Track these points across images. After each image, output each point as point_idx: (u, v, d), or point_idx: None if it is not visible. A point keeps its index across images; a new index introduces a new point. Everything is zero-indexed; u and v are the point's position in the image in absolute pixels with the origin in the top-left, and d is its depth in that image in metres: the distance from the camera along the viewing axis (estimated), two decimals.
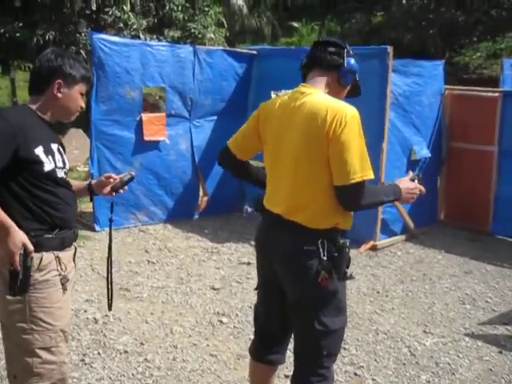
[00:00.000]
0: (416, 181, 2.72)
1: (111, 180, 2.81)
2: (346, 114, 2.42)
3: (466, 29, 18.05)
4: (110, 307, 3.00)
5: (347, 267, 2.53)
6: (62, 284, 2.53)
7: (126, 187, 2.84)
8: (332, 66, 2.62)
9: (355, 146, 2.42)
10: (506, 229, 7.01)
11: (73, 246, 2.64)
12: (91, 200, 2.98)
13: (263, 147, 2.75)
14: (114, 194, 2.82)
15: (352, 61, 2.64)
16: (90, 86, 2.59)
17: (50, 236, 2.47)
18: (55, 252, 2.49)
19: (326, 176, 2.48)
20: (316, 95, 2.56)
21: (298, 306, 2.60)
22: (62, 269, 2.51)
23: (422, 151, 7.02)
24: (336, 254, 2.48)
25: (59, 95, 2.52)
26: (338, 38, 2.77)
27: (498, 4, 17.50)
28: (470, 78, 18.09)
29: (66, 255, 2.56)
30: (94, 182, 2.88)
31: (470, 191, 7.32)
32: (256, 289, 2.91)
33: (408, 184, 2.68)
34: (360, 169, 2.42)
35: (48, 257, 2.46)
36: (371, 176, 2.47)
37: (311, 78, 2.65)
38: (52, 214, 2.47)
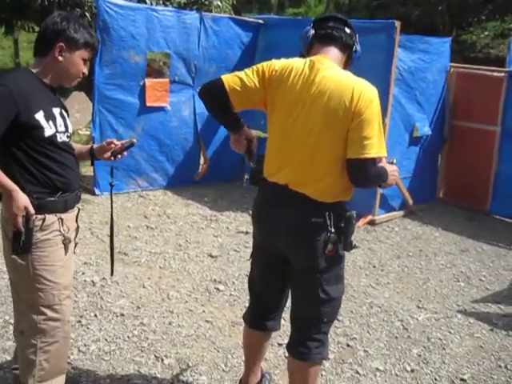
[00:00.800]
0: (393, 165, 2.79)
1: (112, 146, 2.84)
2: (372, 92, 2.51)
3: (475, 7, 17.83)
4: (112, 272, 3.09)
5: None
6: (64, 244, 2.58)
7: (126, 152, 2.88)
8: (347, 46, 2.67)
9: (377, 124, 2.49)
10: (504, 209, 7.05)
11: (76, 208, 2.69)
12: (92, 164, 3.03)
13: (268, 113, 2.69)
14: (113, 158, 2.86)
15: (359, 47, 2.72)
16: (95, 53, 2.58)
17: (53, 199, 2.51)
18: (58, 214, 2.53)
19: (343, 151, 2.50)
20: (336, 70, 2.58)
21: (302, 275, 2.64)
22: (64, 230, 2.56)
23: (424, 128, 7.01)
24: (343, 225, 2.54)
25: (60, 58, 2.52)
26: (345, 13, 2.78)
27: None
28: (477, 56, 17.98)
29: (68, 217, 2.61)
30: (95, 146, 2.91)
31: (471, 170, 7.34)
32: (250, 258, 2.94)
33: (390, 167, 2.71)
34: (378, 145, 2.48)
35: (51, 218, 2.51)
36: (385, 154, 2.54)
37: (327, 50, 2.63)
38: (54, 178, 2.50)
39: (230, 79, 2.61)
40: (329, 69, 2.56)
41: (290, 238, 2.60)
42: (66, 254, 2.60)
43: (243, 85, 2.60)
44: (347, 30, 2.67)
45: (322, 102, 2.50)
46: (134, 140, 2.91)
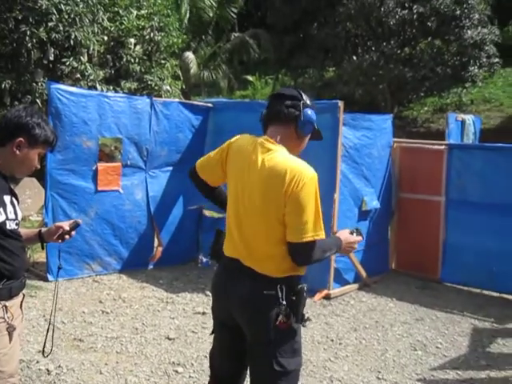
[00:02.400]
0: (355, 234, 2.85)
1: (61, 230, 2.83)
2: (305, 175, 2.54)
3: (414, 84, 18.74)
4: (43, 352, 3.04)
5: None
6: (9, 332, 2.53)
7: (74, 233, 2.87)
8: (290, 119, 2.68)
9: (310, 207, 2.54)
10: (455, 276, 7.23)
11: (21, 294, 2.67)
12: (42, 248, 3.02)
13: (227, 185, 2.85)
14: (60, 241, 2.85)
15: (309, 111, 2.68)
16: (53, 149, 2.64)
17: None
18: (2, 301, 2.51)
19: (282, 233, 2.59)
20: (278, 153, 2.63)
21: (257, 348, 2.66)
22: (8, 317, 2.53)
23: (373, 202, 7.22)
24: (294, 298, 2.59)
25: (17, 153, 2.55)
26: (294, 88, 2.87)
27: (443, 62, 18.31)
28: (418, 131, 18.80)
29: (13, 303, 2.59)
30: (43, 230, 2.91)
31: (420, 240, 7.55)
32: (212, 333, 2.95)
33: (347, 236, 2.80)
34: (313, 228, 2.54)
35: None
36: (322, 236, 2.59)
37: (271, 131, 2.73)
38: (1, 266, 2.49)
39: (200, 159, 2.95)
40: (272, 152, 2.63)
41: (243, 310, 2.65)
42: (10, 341, 2.55)
43: (209, 160, 2.91)
44: (287, 102, 2.68)
45: (260, 185, 2.61)
46: (79, 220, 2.93)
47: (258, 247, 2.63)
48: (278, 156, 2.63)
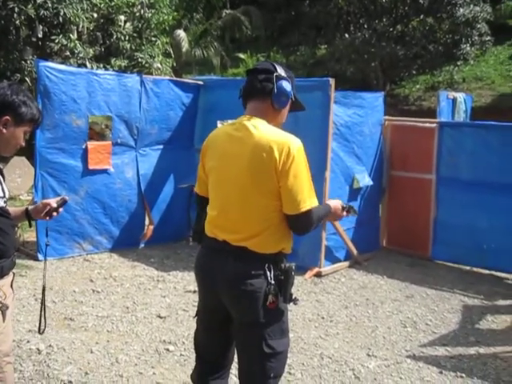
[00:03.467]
0: (345, 212, 2.87)
1: (48, 207, 2.81)
2: (292, 147, 2.53)
3: (406, 62, 18.69)
4: (39, 330, 3.00)
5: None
6: (2, 311, 2.54)
7: (61, 210, 2.84)
8: (264, 92, 2.66)
9: (303, 177, 2.56)
10: (445, 254, 7.27)
11: (11, 273, 2.66)
12: (30, 225, 2.99)
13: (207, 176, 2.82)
14: (48, 218, 2.82)
15: (284, 83, 2.65)
16: (38, 126, 2.59)
17: None
18: None
19: (277, 205, 2.58)
20: (260, 128, 2.61)
21: (245, 330, 2.64)
22: (1, 296, 2.53)
23: (364, 180, 7.22)
24: (282, 277, 2.58)
25: (4, 131, 2.52)
26: (271, 61, 2.81)
27: (435, 39, 18.24)
28: (410, 109, 18.77)
29: (5, 282, 2.58)
30: (30, 207, 2.88)
31: (410, 218, 7.57)
32: (195, 316, 2.94)
33: (338, 207, 2.83)
34: (308, 197, 2.56)
35: None
36: (316, 203, 2.61)
37: (249, 108, 2.72)
38: None
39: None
40: (253, 127, 2.61)
41: (230, 291, 2.62)
42: (3, 320, 2.55)
43: (198, 174, 2.91)
44: (260, 76, 2.66)
45: (245, 161, 2.58)
46: (67, 197, 2.89)
47: (247, 225, 2.61)
48: (261, 130, 2.61)
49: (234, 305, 2.66)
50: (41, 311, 2.97)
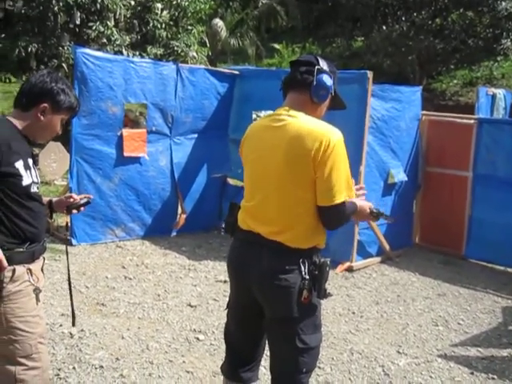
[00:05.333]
0: (373, 216, 2.78)
1: (71, 200, 2.84)
2: (332, 138, 2.49)
3: (444, 56, 18.39)
4: (73, 323, 3.07)
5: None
6: (36, 294, 2.58)
7: (83, 208, 2.86)
8: (304, 85, 2.63)
9: (341, 170, 2.51)
10: (479, 252, 7.14)
11: (41, 257, 2.69)
12: (51, 217, 2.96)
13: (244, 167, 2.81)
14: (67, 213, 2.87)
15: (324, 77, 2.62)
16: (75, 115, 2.60)
17: (21, 250, 2.51)
18: (26, 265, 2.54)
19: (311, 198, 2.54)
20: (299, 118, 2.59)
21: (278, 325, 2.62)
22: (34, 280, 2.57)
23: (399, 175, 7.13)
24: (317, 273, 2.55)
25: (42, 118, 2.55)
26: (314, 55, 2.78)
27: (475, 34, 17.91)
28: (447, 104, 18.47)
29: (36, 267, 2.62)
30: (54, 199, 2.91)
31: (445, 215, 7.45)
32: (226, 308, 2.93)
33: (365, 208, 2.74)
34: (344, 189, 2.52)
35: (20, 269, 2.51)
36: (353, 196, 2.58)
37: (288, 99, 2.70)
38: (25, 229, 2.51)
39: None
40: (292, 117, 2.59)
41: (264, 286, 2.59)
42: (37, 303, 2.59)
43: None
44: (302, 69, 2.65)
45: (283, 151, 2.55)
46: (91, 196, 2.93)
47: (282, 217, 2.58)
48: (300, 120, 2.59)
49: (267, 300, 2.64)
50: (72, 304, 3.01)
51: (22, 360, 2.52)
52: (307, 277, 2.52)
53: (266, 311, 2.66)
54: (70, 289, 3.01)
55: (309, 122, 2.58)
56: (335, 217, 2.58)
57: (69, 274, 3.01)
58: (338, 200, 2.51)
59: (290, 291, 2.53)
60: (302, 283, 2.52)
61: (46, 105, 2.53)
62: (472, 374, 4.28)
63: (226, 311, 2.93)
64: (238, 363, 2.89)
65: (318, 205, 2.55)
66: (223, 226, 2.97)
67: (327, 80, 2.64)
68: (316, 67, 2.63)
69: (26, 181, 2.49)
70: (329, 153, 2.47)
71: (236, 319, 2.87)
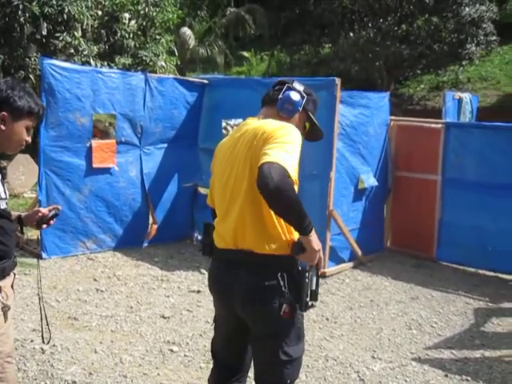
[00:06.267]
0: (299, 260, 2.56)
1: (40, 214, 2.77)
2: (280, 123, 2.55)
3: (410, 62, 18.64)
4: (43, 339, 3.00)
5: (308, 296, 2.53)
6: (4, 311, 2.51)
7: (52, 222, 2.80)
8: (274, 100, 2.72)
9: (285, 145, 2.39)
10: (450, 255, 7.22)
11: (12, 274, 2.63)
12: (22, 233, 2.88)
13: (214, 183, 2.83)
14: (38, 228, 2.82)
15: (292, 93, 2.68)
16: (40, 120, 2.52)
17: None
18: None
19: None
20: (257, 122, 2.65)
21: (262, 341, 2.61)
22: (3, 297, 2.50)
23: (369, 180, 7.18)
24: (296, 285, 2.50)
25: (3, 127, 2.46)
26: (287, 70, 2.85)
27: (441, 39, 18.19)
28: (415, 109, 18.73)
29: (6, 283, 2.55)
30: (23, 215, 2.84)
31: (415, 219, 7.53)
32: (213, 323, 2.92)
33: (317, 248, 2.46)
34: (280, 156, 2.33)
35: None
36: (294, 175, 2.37)
37: (259, 114, 2.77)
38: None
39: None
40: (252, 123, 2.66)
41: (245, 304, 2.58)
42: (5, 321, 2.52)
43: (210, 188, 2.91)
44: (276, 87, 2.76)
45: (242, 156, 2.56)
46: (59, 207, 2.84)
47: (250, 225, 2.53)
48: (257, 122, 2.65)
49: (249, 317, 2.62)
50: (41, 319, 2.95)
51: None
52: (287, 291, 2.49)
53: (250, 326, 2.65)
54: (42, 305, 2.95)
55: (263, 121, 2.63)
56: (261, 176, 2.27)
57: (40, 290, 2.95)
58: (268, 159, 2.30)
59: (270, 307, 2.51)
60: (283, 298, 2.48)
61: (4, 113, 2.45)
62: (446, 376, 4.32)
63: (213, 325, 2.92)
64: (224, 376, 2.87)
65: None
66: (196, 238, 2.96)
67: (294, 96, 2.70)
68: (286, 85, 2.72)
69: None
70: (271, 132, 2.46)
71: (221, 333, 2.86)
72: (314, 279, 2.55)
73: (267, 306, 2.51)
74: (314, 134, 2.86)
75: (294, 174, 2.34)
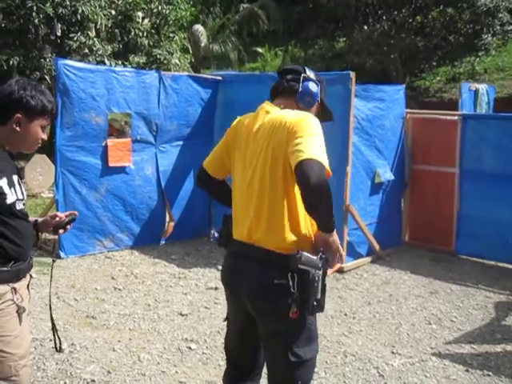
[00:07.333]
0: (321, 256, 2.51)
1: (56, 219, 2.77)
2: (303, 115, 2.53)
3: (426, 54, 18.48)
4: (56, 349, 2.97)
5: (316, 300, 2.45)
6: (18, 314, 2.50)
7: (69, 226, 2.79)
8: (290, 92, 2.71)
9: (313, 137, 2.42)
10: (469, 248, 7.15)
11: (28, 276, 2.62)
12: (37, 238, 2.85)
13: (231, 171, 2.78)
14: (55, 233, 2.81)
15: (310, 85, 2.70)
16: (54, 117, 2.51)
17: (5, 269, 2.44)
18: (10, 284, 2.47)
19: (288, 190, 2.49)
20: (277, 111, 2.63)
21: (270, 340, 2.59)
22: (17, 299, 2.49)
23: (386, 174, 7.13)
24: (305, 287, 2.44)
25: (18, 129, 2.47)
26: (301, 64, 2.83)
27: (456, 30, 18.01)
28: (431, 101, 18.56)
29: (21, 285, 2.55)
30: (40, 220, 2.83)
31: (433, 212, 7.46)
32: (225, 320, 2.89)
33: (337, 246, 2.54)
34: (314, 151, 2.36)
35: (3, 288, 2.44)
36: (324, 161, 2.38)
37: (275, 103, 2.73)
38: (9, 248, 2.44)
39: (207, 157, 2.89)
40: (272, 112, 2.63)
41: (254, 300, 2.56)
42: (20, 323, 2.51)
43: (213, 151, 2.87)
44: (288, 77, 2.73)
45: (265, 147, 2.54)
46: (76, 213, 2.83)
47: (268, 215, 2.51)
48: (278, 112, 2.63)
49: (258, 314, 2.60)
50: (53, 330, 2.93)
51: (1, 382, 2.44)
52: (296, 291, 2.44)
53: (258, 323, 2.63)
54: (51, 314, 2.94)
55: (283, 111, 2.62)
56: (306, 174, 2.29)
57: (50, 299, 2.97)
58: (303, 156, 2.33)
59: (279, 306, 2.47)
60: (291, 298, 2.44)
61: (18, 115, 2.45)
62: (467, 371, 4.27)
63: (226, 323, 2.90)
64: (238, 374, 2.85)
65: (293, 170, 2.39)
66: (213, 235, 2.95)
67: (313, 87, 2.71)
68: (302, 75, 2.71)
69: (9, 199, 2.42)
70: (301, 125, 2.46)
71: (234, 331, 2.84)
72: (320, 287, 2.45)
73: (274, 304, 2.48)
74: (325, 116, 2.85)
75: (328, 166, 2.39)
